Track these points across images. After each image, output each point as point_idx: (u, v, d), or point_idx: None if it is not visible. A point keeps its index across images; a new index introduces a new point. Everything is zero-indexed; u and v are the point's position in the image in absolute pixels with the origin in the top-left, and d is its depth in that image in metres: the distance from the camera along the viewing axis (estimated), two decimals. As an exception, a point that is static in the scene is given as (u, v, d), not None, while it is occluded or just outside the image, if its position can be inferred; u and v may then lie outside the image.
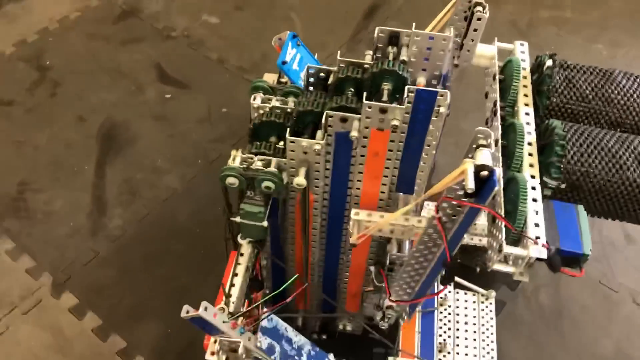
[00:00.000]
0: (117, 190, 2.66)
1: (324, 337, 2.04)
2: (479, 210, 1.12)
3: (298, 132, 1.37)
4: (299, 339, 1.49)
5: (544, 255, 1.14)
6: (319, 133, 1.35)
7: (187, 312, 1.28)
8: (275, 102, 1.52)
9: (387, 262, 1.50)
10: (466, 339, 2.06)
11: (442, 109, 1.25)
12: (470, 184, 1.07)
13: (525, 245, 1.16)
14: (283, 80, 1.89)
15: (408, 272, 1.37)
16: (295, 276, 1.38)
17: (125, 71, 3.16)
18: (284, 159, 1.41)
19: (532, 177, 1.27)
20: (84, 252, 2.45)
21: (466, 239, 2.23)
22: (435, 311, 2.06)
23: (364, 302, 1.75)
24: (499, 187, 1.22)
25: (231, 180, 1.41)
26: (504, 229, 1.16)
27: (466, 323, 2.10)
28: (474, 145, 1.16)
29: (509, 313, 2.30)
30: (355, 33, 3.39)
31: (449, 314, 2.12)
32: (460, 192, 1.15)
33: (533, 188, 1.24)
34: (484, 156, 1.11)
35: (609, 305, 2.33)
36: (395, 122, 1.25)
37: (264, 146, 1.45)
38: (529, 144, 1.32)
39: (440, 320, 2.09)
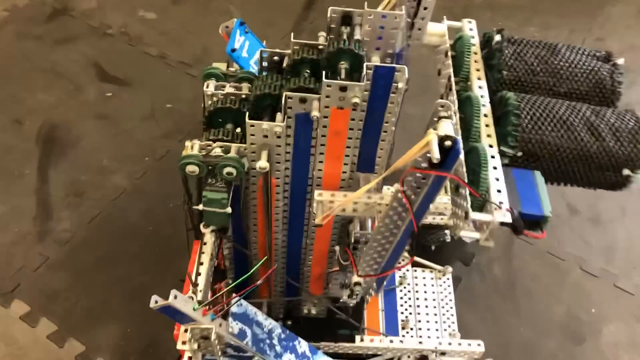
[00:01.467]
0: (62, 193, 2.58)
1: (289, 322, 2.05)
2: (444, 180, 1.15)
3: (256, 117, 1.36)
4: (268, 322, 1.49)
5: (509, 220, 1.17)
6: (279, 115, 1.35)
7: (156, 302, 1.25)
8: (229, 89, 1.51)
9: (352, 240, 1.51)
10: (427, 314, 2.11)
11: (400, 85, 1.28)
12: (436, 154, 1.09)
13: (490, 211, 1.19)
14: (232, 68, 1.87)
15: (374, 248, 1.39)
16: (264, 258, 1.37)
17: (62, 71, 3.06)
18: (243, 145, 1.40)
19: (490, 146, 1.31)
20: (32, 257, 2.36)
21: (421, 218, 2.28)
22: (396, 289, 2.10)
23: (329, 283, 1.76)
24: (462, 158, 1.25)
25: (191, 168, 1.38)
26: (468, 197, 1.20)
27: (426, 299, 2.15)
28: (435, 118, 1.19)
29: (466, 287, 2.36)
30: (296, 24, 3.39)
31: (409, 291, 2.16)
32: (425, 165, 1.17)
33: (492, 157, 1.28)
34: (446, 127, 1.13)
35: (558, 273, 2.43)
36: (356, 100, 1.26)
37: (221, 133, 1.44)
38: (485, 115, 1.36)
39: (401, 298, 2.13)
